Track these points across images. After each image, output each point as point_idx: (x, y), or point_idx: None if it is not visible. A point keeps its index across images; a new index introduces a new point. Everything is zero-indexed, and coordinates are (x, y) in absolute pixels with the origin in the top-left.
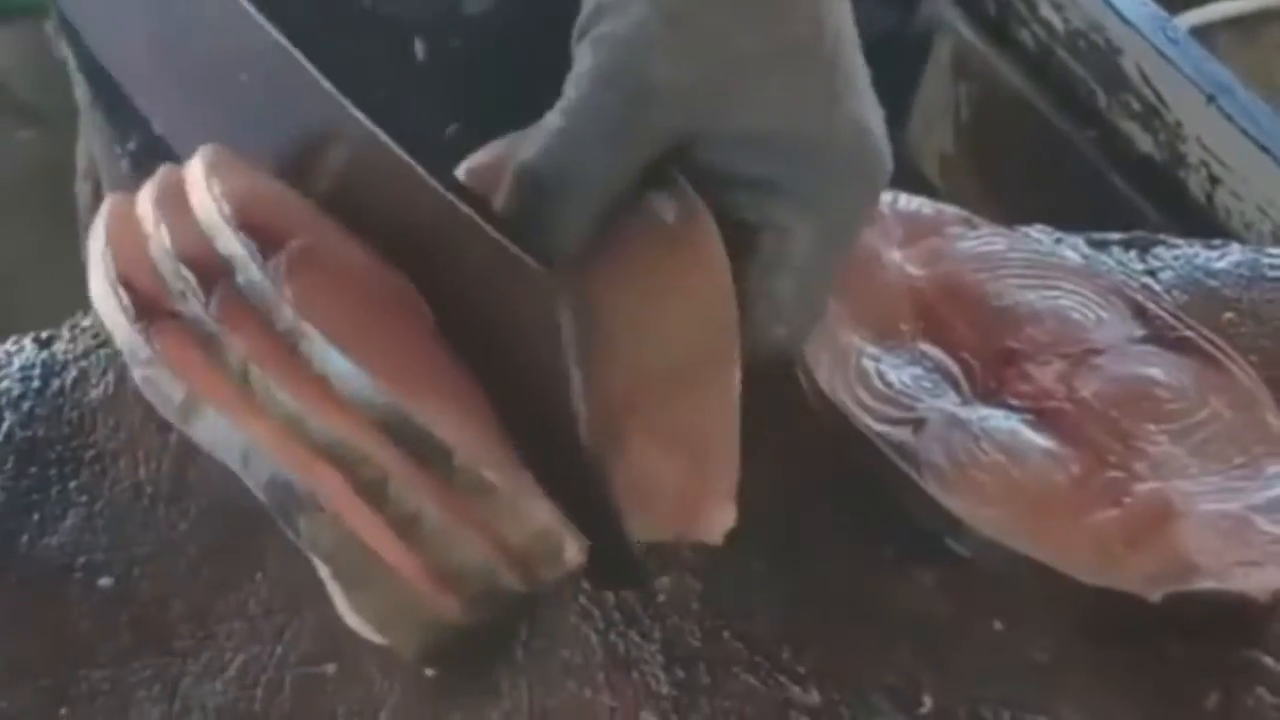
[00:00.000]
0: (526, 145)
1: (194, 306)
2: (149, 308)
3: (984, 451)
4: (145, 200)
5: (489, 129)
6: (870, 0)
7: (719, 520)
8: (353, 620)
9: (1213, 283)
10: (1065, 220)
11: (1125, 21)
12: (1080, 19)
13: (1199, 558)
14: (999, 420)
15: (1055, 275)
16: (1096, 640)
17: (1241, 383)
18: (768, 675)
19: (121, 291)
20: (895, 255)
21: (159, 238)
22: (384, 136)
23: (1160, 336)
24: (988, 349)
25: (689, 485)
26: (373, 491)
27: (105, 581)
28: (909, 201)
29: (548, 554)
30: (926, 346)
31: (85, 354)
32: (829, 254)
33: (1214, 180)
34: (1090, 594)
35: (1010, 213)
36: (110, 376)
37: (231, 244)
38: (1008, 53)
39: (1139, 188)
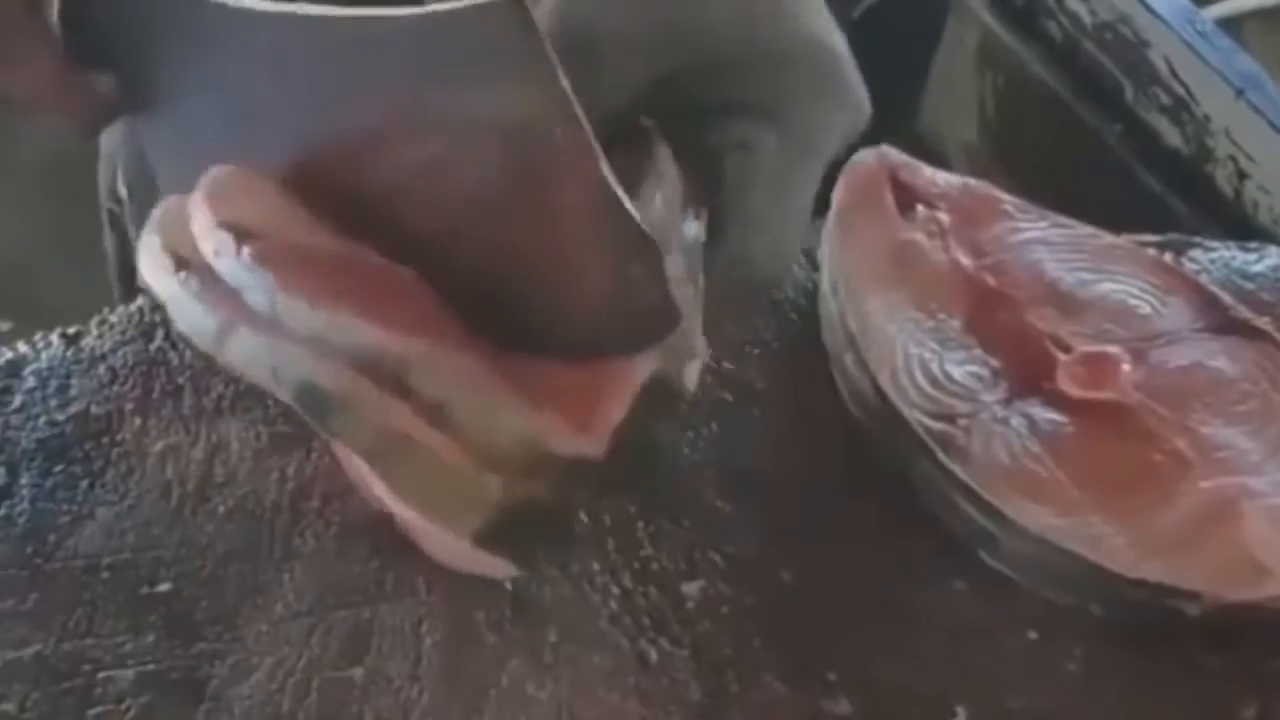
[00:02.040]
0: None
1: (226, 261)
2: (188, 262)
3: (1033, 447)
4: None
5: None
6: None
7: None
8: (398, 508)
9: (1249, 286)
10: (1092, 214)
11: (1153, 14)
12: (1108, 11)
13: (1264, 555)
14: (1050, 414)
15: (1113, 261)
16: (1131, 650)
17: None
18: (797, 683)
19: (164, 254)
20: (945, 243)
21: (197, 217)
22: None
23: (1224, 324)
24: (1041, 339)
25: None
26: (396, 383)
27: (132, 582)
28: (951, 181)
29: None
30: (977, 337)
31: (113, 350)
32: (796, 164)
33: (1242, 175)
34: (1135, 591)
35: (1036, 202)
36: (138, 373)
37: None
38: (1034, 44)
39: (1166, 181)
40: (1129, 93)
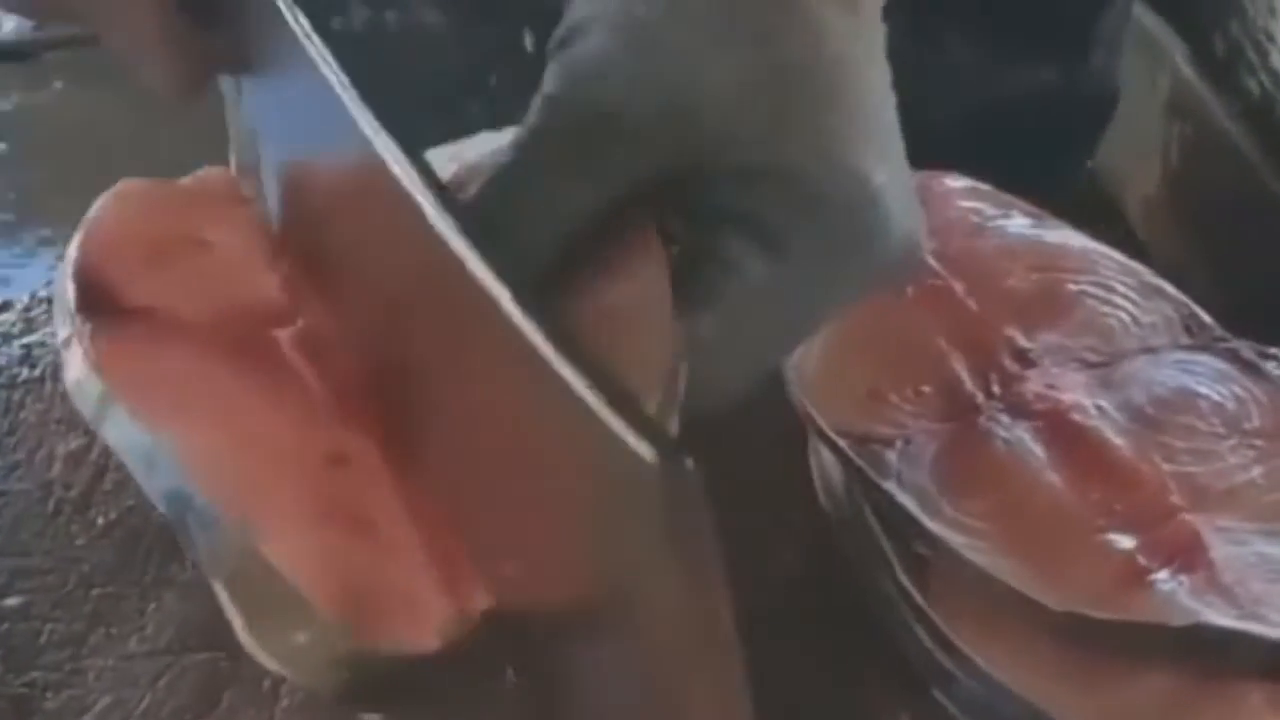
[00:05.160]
0: (483, 173)
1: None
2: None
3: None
4: None
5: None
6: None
7: None
8: (256, 651)
9: None
10: (1264, 283)
11: None
12: None
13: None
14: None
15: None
16: None
17: None
18: None
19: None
20: None
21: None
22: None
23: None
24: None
25: None
26: None
27: None
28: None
29: None
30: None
31: (33, 328)
32: (782, 303)
33: None
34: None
35: (1214, 268)
36: (51, 359)
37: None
38: (1229, 98)
39: None
40: None
